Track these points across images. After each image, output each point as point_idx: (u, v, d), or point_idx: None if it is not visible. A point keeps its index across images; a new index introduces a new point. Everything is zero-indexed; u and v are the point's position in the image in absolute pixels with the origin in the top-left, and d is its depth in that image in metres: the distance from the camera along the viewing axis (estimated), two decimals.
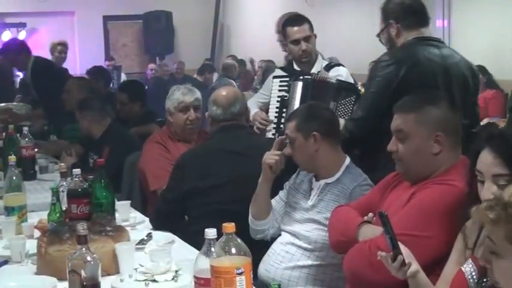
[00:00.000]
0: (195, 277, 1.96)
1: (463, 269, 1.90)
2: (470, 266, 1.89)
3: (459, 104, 2.98)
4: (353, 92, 3.58)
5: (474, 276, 1.87)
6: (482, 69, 7.30)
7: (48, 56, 7.92)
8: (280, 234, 2.95)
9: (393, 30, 3.18)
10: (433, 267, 2.11)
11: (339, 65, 4.02)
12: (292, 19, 4.00)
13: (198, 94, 3.85)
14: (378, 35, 3.29)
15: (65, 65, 7.52)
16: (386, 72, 3.04)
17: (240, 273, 1.79)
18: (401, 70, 3.02)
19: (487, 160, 1.92)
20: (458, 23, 7.82)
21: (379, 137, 2.83)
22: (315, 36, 3.96)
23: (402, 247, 1.93)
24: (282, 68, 4.17)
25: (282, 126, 3.79)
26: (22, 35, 11.74)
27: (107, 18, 12.48)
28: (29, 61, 5.85)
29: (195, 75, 10.21)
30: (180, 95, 3.80)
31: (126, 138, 4.58)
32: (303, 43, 3.90)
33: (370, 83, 3.15)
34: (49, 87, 5.60)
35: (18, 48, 5.92)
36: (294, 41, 3.92)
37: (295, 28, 3.92)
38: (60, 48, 7.80)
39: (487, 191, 1.90)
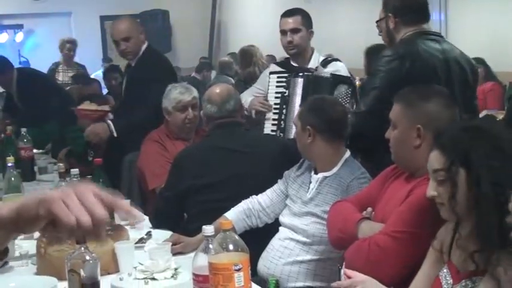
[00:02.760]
0: (193, 274, 1.96)
1: (440, 275, 1.92)
2: (445, 270, 1.91)
3: (459, 98, 2.98)
4: (348, 85, 3.62)
5: (449, 281, 1.88)
6: (480, 61, 7.28)
7: (53, 54, 7.93)
8: (278, 230, 2.95)
9: (391, 24, 3.18)
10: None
11: (336, 60, 4.02)
12: (288, 10, 4.02)
13: (195, 92, 3.85)
14: (377, 22, 3.29)
15: None
16: (390, 68, 3.03)
17: (238, 270, 1.79)
18: (405, 65, 3.02)
19: (430, 158, 1.96)
20: (455, 16, 7.80)
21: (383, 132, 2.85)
22: (311, 32, 3.96)
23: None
24: (278, 64, 4.18)
25: (282, 123, 3.79)
26: (19, 37, 11.73)
27: (103, 18, 12.44)
28: (12, 76, 5.76)
29: (193, 74, 10.20)
30: (177, 94, 3.79)
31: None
32: (289, 34, 3.92)
33: (372, 78, 3.12)
34: (38, 97, 5.52)
35: (1, 68, 5.77)
36: (282, 31, 3.97)
37: (284, 19, 3.96)
38: (69, 46, 7.79)
39: (429, 188, 1.94)
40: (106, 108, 4.55)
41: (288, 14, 3.97)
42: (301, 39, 3.91)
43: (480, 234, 1.79)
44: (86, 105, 4.54)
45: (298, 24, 3.91)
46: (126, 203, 1.03)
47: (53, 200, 0.94)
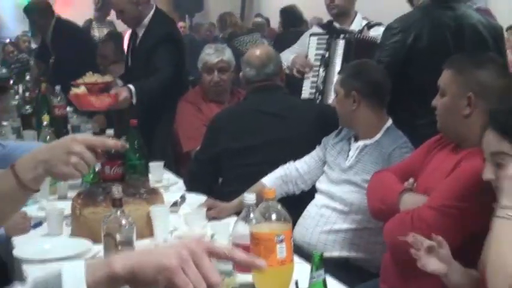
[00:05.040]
0: (233, 243, 1.91)
1: None
2: None
3: None
4: None
5: None
6: None
7: (87, 8, 7.87)
8: (314, 196, 2.89)
9: None
10: (474, 241, 2.01)
11: (379, 24, 3.90)
12: None
13: (226, 55, 3.73)
14: None
15: None
16: (393, 41, 2.99)
17: (281, 241, 1.73)
18: (409, 38, 2.96)
19: (486, 138, 1.85)
20: None
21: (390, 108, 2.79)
22: None
23: None
24: (320, 25, 4.08)
25: (321, 86, 3.69)
26: None
27: None
28: (50, 23, 5.71)
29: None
30: (205, 55, 3.74)
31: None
32: None
33: (379, 52, 3.07)
34: (72, 49, 5.46)
35: (42, 11, 5.73)
36: None
37: None
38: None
39: (486, 171, 1.84)
40: (108, 78, 4.36)
41: None
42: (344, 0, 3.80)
43: None
44: (88, 78, 4.36)
45: None
46: (243, 254, 1.04)
47: (174, 270, 0.97)
